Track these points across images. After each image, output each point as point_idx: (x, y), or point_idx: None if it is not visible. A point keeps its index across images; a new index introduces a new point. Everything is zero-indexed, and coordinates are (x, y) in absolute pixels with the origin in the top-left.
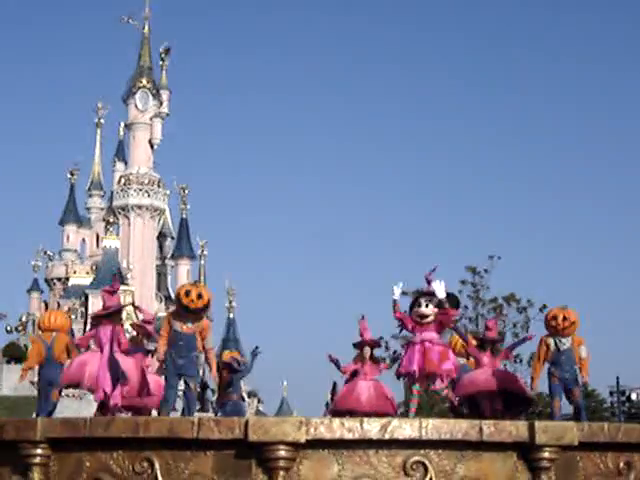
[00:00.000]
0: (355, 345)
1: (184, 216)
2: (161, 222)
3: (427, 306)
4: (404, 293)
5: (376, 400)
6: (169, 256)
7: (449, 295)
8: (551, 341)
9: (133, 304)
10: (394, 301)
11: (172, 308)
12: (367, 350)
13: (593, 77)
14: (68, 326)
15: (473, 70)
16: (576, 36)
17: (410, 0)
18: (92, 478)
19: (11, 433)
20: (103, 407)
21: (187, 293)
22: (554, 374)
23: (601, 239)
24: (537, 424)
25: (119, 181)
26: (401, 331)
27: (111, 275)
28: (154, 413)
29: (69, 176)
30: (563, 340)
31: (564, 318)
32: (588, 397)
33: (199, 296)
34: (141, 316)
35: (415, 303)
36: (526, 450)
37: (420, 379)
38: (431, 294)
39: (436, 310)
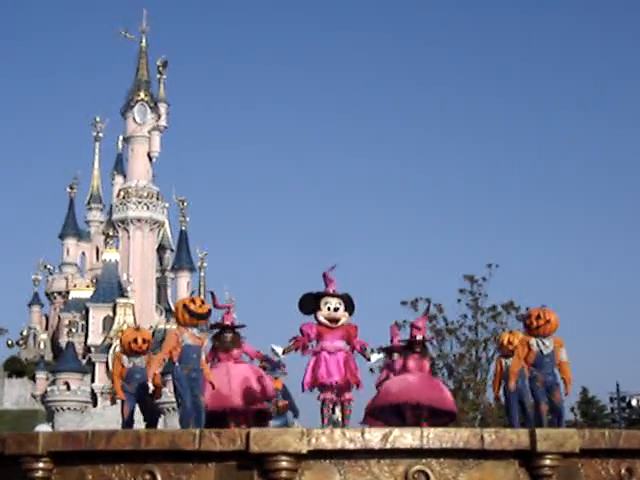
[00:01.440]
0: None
1: (183, 228)
2: (160, 235)
3: (337, 310)
4: (403, 302)
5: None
6: (169, 268)
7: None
8: (534, 342)
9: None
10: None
11: (172, 321)
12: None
13: (588, 85)
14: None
15: (469, 80)
16: (572, 40)
17: (404, 9)
18: None
19: (13, 447)
20: None
21: (192, 301)
22: (537, 377)
23: (600, 246)
24: (538, 431)
25: (118, 194)
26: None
27: (111, 288)
28: None
29: (68, 190)
30: (546, 342)
31: (538, 316)
32: (589, 404)
33: (202, 302)
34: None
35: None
36: (527, 458)
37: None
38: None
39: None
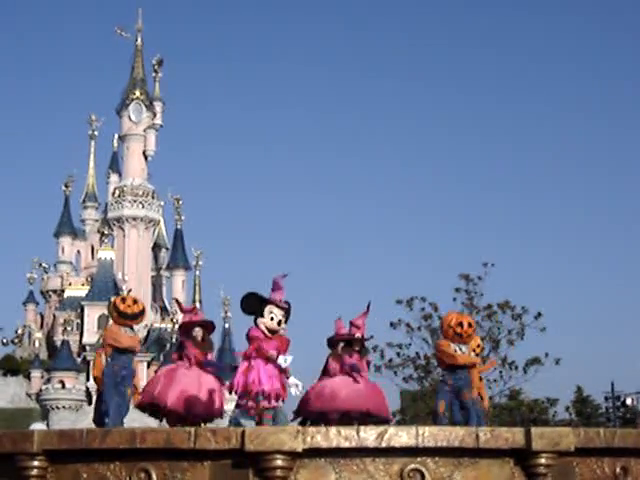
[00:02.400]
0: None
1: (179, 227)
2: (156, 233)
3: (279, 323)
4: (399, 301)
5: None
6: (164, 267)
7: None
8: (451, 348)
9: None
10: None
11: (168, 319)
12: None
13: (585, 85)
14: None
15: (465, 79)
16: (572, 40)
17: (402, 8)
18: None
19: (8, 445)
20: None
21: (123, 300)
22: (446, 381)
23: (595, 246)
24: (533, 430)
25: (113, 193)
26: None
27: (106, 286)
28: None
29: (64, 188)
30: (463, 348)
31: (469, 324)
32: (583, 403)
33: (134, 301)
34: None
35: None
36: (523, 456)
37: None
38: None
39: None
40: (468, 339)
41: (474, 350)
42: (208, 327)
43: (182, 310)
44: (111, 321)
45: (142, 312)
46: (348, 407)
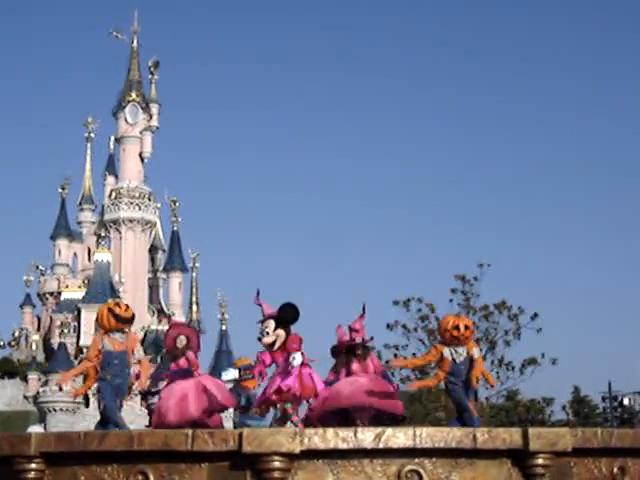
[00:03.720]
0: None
1: (175, 229)
2: (152, 235)
3: (265, 335)
4: (395, 302)
5: None
6: (161, 269)
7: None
8: (447, 351)
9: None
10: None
11: (165, 322)
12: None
13: (583, 86)
14: None
15: (462, 79)
16: (571, 40)
17: (400, 9)
18: None
19: (5, 448)
20: None
21: (117, 304)
22: (456, 383)
23: (591, 246)
24: (531, 431)
25: (110, 195)
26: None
27: (103, 289)
28: None
29: (60, 190)
30: (459, 350)
31: (466, 327)
32: (581, 403)
33: (127, 307)
34: None
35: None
36: (520, 457)
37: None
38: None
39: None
40: (466, 341)
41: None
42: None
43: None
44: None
45: (134, 317)
46: (352, 403)
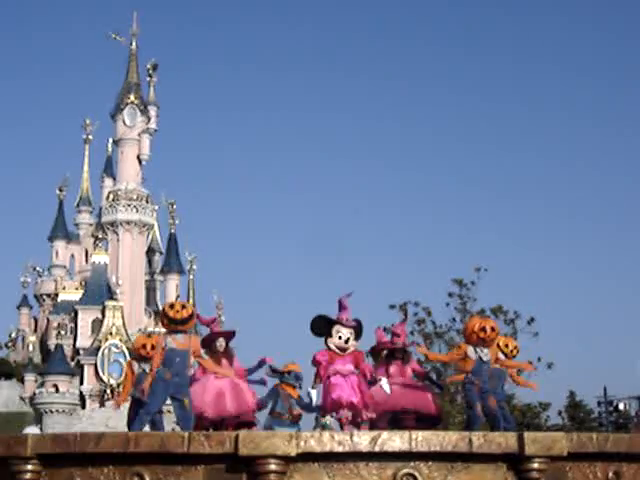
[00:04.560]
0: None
1: (173, 231)
2: (150, 237)
3: (347, 341)
4: (392, 306)
5: None
6: (158, 271)
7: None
8: (470, 350)
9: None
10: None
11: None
12: None
13: (583, 89)
14: None
15: (460, 82)
16: (571, 42)
17: (398, 9)
18: None
19: (1, 449)
20: None
21: (171, 306)
22: (476, 383)
23: (588, 251)
24: (526, 435)
25: (108, 197)
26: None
27: (100, 290)
28: None
29: (58, 192)
30: (485, 350)
31: (492, 329)
32: (576, 407)
33: (183, 306)
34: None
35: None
36: (516, 461)
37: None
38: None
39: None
40: (491, 343)
41: (504, 351)
42: (229, 337)
43: (202, 322)
44: (163, 329)
45: (191, 316)
46: (397, 407)
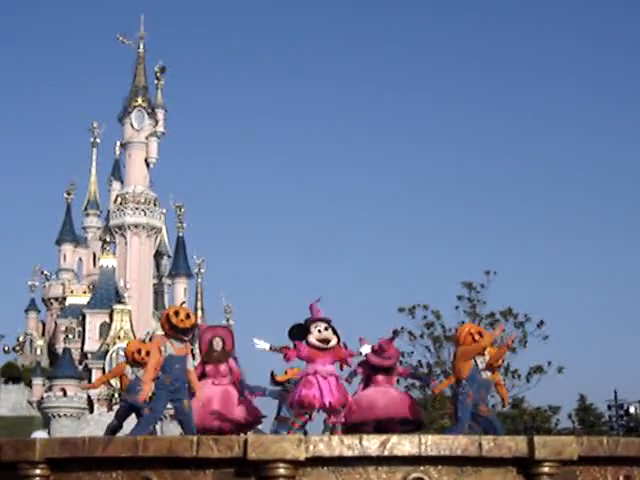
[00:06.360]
0: None
1: (181, 234)
2: (158, 241)
3: (327, 329)
4: (401, 309)
5: None
6: (166, 274)
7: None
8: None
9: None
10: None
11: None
12: None
13: (588, 92)
14: None
15: (465, 86)
16: (571, 44)
17: (399, 12)
18: None
19: (10, 454)
20: None
21: (176, 313)
22: (469, 394)
23: (598, 253)
24: (536, 439)
25: (115, 200)
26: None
27: (108, 294)
28: None
29: (65, 196)
30: (481, 359)
31: (479, 333)
32: (586, 411)
33: (187, 316)
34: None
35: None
36: (526, 465)
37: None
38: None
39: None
40: (482, 351)
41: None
42: (225, 335)
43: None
44: (158, 333)
45: (194, 327)
46: (388, 415)
